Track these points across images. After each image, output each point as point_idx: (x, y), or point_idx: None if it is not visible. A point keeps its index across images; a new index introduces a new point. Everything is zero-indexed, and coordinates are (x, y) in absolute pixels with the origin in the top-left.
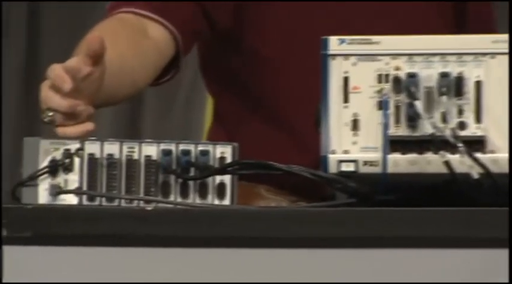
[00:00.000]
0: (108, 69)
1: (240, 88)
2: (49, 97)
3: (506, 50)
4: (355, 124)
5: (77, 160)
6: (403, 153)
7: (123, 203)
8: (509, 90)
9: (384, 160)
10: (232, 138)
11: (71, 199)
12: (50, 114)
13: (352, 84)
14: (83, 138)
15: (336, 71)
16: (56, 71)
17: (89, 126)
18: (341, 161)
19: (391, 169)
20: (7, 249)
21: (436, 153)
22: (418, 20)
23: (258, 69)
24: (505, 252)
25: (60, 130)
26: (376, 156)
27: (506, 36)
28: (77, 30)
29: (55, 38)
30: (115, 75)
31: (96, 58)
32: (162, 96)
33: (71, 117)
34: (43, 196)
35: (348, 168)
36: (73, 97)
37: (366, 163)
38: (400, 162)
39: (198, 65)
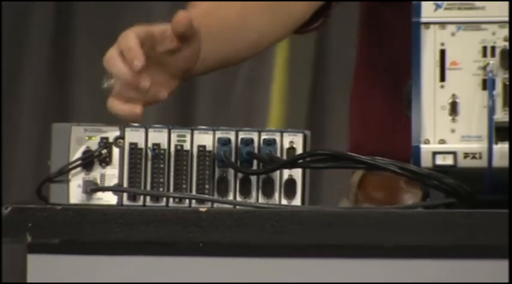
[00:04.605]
0: (221, 27)
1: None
2: (113, 60)
3: None
4: (453, 108)
5: (116, 151)
6: None
7: (172, 203)
8: (509, 88)
9: (490, 152)
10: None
11: (109, 198)
12: (110, 80)
13: (450, 58)
14: (130, 121)
15: (431, 42)
16: (128, 40)
17: (136, 109)
18: (436, 153)
19: (497, 162)
20: (32, 258)
21: None
22: None
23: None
24: None
25: (109, 102)
26: (479, 146)
27: None
28: None
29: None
30: (231, 35)
31: (183, 39)
32: (219, 73)
33: (133, 89)
34: (75, 194)
35: (445, 161)
36: (150, 71)
37: (466, 155)
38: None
39: (358, 28)
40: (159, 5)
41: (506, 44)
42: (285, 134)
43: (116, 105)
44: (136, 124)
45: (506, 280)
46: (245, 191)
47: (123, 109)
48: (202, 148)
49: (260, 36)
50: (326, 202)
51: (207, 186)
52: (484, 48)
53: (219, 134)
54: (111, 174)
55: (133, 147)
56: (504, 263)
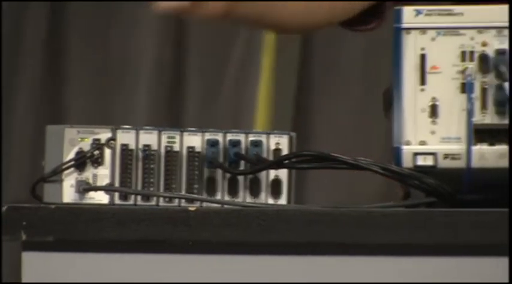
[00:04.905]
0: None
1: None
2: None
3: None
4: (433, 111)
5: (107, 151)
6: (491, 144)
7: (162, 202)
8: (509, 88)
9: (468, 153)
10: None
11: (101, 198)
12: None
13: (430, 62)
14: (177, 12)
15: (411, 47)
16: None
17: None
18: (417, 154)
19: (476, 163)
20: (26, 256)
21: None
22: None
23: None
24: None
25: (155, 4)
26: (458, 147)
27: None
28: None
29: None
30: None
31: None
32: (207, 75)
33: None
34: (68, 193)
35: (425, 161)
36: None
37: (446, 156)
38: (487, 155)
39: None
40: None
41: (485, 48)
42: (271, 136)
43: (162, 4)
44: (127, 126)
45: (487, 277)
46: (233, 191)
47: (170, 5)
48: (191, 149)
49: (292, 15)
50: (311, 202)
51: (196, 186)
52: (463, 53)
53: (207, 136)
54: (103, 174)
55: (125, 148)
56: (484, 261)
